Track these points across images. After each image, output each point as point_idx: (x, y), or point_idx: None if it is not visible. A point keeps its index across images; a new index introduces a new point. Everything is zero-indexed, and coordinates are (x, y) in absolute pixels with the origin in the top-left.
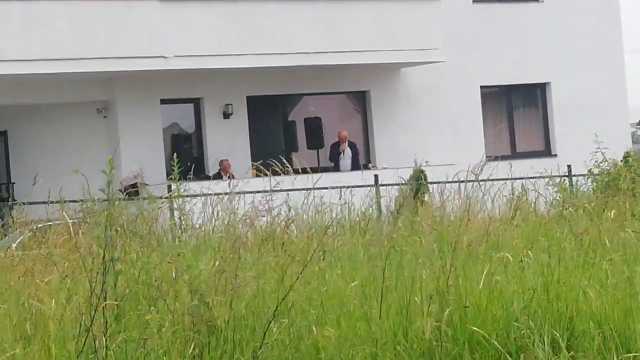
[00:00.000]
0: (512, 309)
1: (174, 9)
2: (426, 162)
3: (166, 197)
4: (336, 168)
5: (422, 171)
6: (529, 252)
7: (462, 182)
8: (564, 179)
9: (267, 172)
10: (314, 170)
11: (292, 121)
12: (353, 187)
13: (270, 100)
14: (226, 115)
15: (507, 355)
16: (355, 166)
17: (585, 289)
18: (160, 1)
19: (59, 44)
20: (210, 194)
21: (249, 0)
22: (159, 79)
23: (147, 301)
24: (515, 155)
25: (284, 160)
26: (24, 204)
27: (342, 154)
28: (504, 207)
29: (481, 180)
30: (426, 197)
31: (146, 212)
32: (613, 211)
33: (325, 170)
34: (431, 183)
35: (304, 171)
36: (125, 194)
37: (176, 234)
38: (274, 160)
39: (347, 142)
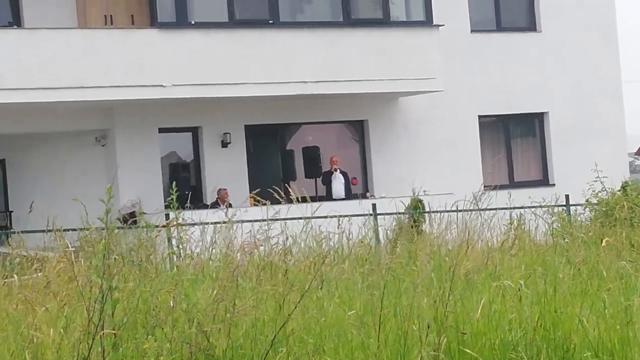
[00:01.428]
0: (510, 338)
1: (172, 38)
2: (424, 191)
3: (164, 226)
4: (328, 193)
5: (420, 200)
6: (527, 281)
7: (461, 211)
8: (562, 209)
9: (264, 202)
10: (312, 199)
11: (290, 150)
12: (351, 216)
13: (268, 129)
14: (224, 144)
15: None
16: (347, 194)
17: (583, 318)
18: (159, 30)
19: (57, 73)
20: (208, 223)
21: (247, 29)
22: (158, 108)
23: (145, 330)
24: (513, 184)
25: (282, 190)
26: (21, 232)
27: (333, 176)
28: (502, 236)
29: (479, 210)
30: (424, 227)
31: (144, 240)
32: (607, 239)
33: (323, 199)
34: (429, 212)
35: (304, 200)
36: (123, 222)
37: (174, 262)
38: (275, 188)
39: (338, 167)
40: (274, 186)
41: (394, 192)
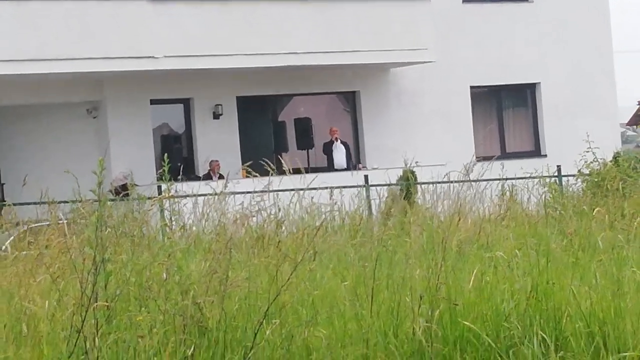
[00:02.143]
0: (502, 309)
1: (164, 9)
2: (416, 162)
3: (156, 198)
4: (330, 163)
5: (412, 172)
6: (519, 252)
7: (452, 182)
8: (554, 179)
9: (256, 173)
10: (305, 170)
11: (282, 121)
12: (343, 187)
13: (260, 100)
14: (216, 116)
15: (498, 354)
16: (348, 164)
17: (575, 289)
18: (151, 1)
19: (48, 44)
20: (201, 195)
21: (239, 0)
22: (149, 79)
23: (138, 302)
24: (505, 155)
25: (274, 161)
26: (14, 205)
27: (334, 146)
28: (495, 207)
29: (471, 181)
30: (416, 198)
31: (136, 212)
32: (598, 209)
33: (316, 170)
34: (421, 183)
35: (297, 171)
36: (115, 194)
37: (167, 234)
38: (266, 160)
39: (339, 137)
40: (265, 158)
41: (386, 163)
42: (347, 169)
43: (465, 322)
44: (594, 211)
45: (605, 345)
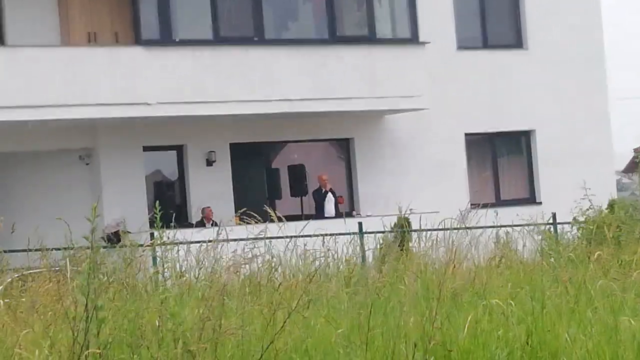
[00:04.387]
0: (497, 356)
1: (157, 56)
2: (410, 209)
3: (148, 245)
4: (319, 210)
5: (407, 219)
6: (514, 300)
7: (447, 229)
8: (549, 227)
9: (249, 221)
10: (298, 217)
11: (276, 169)
12: (337, 234)
13: (253, 147)
14: (209, 163)
15: None
16: (336, 212)
17: (570, 336)
18: (145, 48)
19: (42, 91)
20: (193, 242)
21: (232, 46)
22: (142, 126)
23: (131, 349)
24: (500, 202)
25: (268, 208)
26: (4, 252)
27: (326, 199)
28: (489, 254)
29: (466, 228)
30: (411, 245)
31: (129, 259)
32: (598, 253)
33: (309, 217)
34: (416, 230)
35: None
36: (107, 241)
37: (159, 281)
38: (265, 207)
39: (328, 186)
40: (259, 205)
41: (380, 210)
42: (335, 217)
43: None
44: (594, 255)
45: None
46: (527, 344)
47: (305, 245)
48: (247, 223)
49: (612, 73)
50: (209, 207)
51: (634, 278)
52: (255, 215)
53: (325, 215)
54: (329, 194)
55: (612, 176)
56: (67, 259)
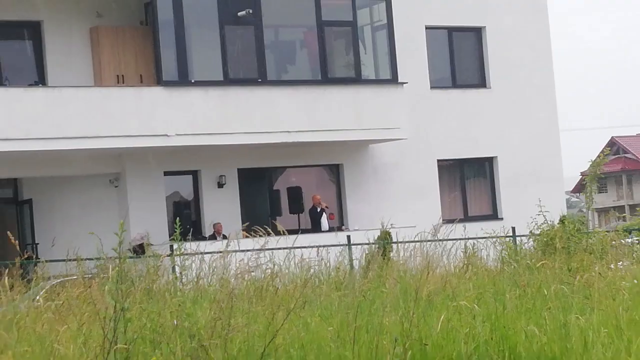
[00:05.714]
0: (465, 350)
1: (176, 94)
2: (391, 224)
3: (168, 255)
4: (314, 225)
5: (388, 232)
6: (479, 301)
7: (422, 241)
8: (509, 239)
9: (254, 234)
10: (295, 232)
11: (277, 190)
12: (329, 246)
13: (258, 172)
14: (220, 185)
15: None
16: (328, 227)
17: (527, 332)
18: (165, 88)
19: (78, 125)
20: (207, 253)
21: (239, 86)
22: (163, 154)
23: (153, 345)
24: (467, 218)
25: (269, 224)
26: (45, 261)
27: (322, 218)
28: (458, 262)
29: (438, 240)
30: (392, 255)
31: (152, 268)
32: (544, 262)
33: (305, 231)
34: (395, 243)
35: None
36: (133, 253)
37: (178, 287)
38: (273, 222)
39: (325, 205)
40: (262, 221)
41: (365, 225)
42: (329, 231)
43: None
44: (540, 264)
45: None
46: (491, 339)
47: (302, 255)
48: (253, 236)
49: (563, 108)
50: (219, 222)
51: (581, 282)
52: (260, 229)
53: (322, 230)
54: (324, 215)
55: (563, 196)
56: (99, 268)
